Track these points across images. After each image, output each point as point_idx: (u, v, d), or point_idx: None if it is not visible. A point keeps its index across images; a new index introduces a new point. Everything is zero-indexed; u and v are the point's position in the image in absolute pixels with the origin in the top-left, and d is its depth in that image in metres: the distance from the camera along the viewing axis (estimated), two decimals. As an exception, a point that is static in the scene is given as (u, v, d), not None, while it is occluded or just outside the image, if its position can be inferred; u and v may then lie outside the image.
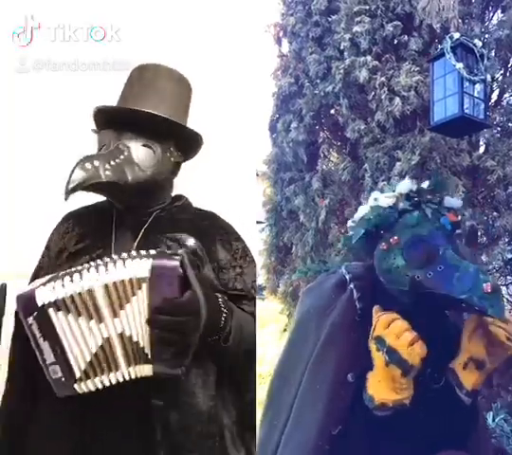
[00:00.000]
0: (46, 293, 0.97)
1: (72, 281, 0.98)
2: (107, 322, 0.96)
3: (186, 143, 1.26)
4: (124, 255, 1.01)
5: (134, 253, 1.01)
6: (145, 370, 0.96)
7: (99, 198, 1.30)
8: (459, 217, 1.22)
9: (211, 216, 1.29)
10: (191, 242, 1.14)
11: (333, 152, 3.22)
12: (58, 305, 0.96)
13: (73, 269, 1.02)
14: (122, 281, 0.96)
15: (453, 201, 1.24)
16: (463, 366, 1.14)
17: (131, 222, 1.20)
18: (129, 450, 1.04)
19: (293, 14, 3.24)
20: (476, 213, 2.46)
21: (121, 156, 1.13)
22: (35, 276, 1.27)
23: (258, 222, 3.54)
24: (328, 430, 1.10)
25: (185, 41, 1.74)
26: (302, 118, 3.05)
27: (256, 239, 3.32)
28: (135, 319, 0.96)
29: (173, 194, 1.32)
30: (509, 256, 2.66)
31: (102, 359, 0.96)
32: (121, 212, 1.22)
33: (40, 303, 0.96)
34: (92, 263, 1.01)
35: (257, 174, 3.56)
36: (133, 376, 0.97)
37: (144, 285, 0.95)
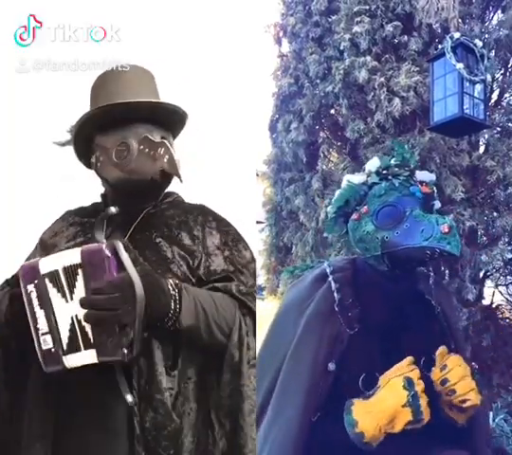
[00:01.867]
0: (48, 264, 1.02)
1: (53, 260, 1.03)
2: (70, 303, 1.00)
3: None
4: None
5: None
6: (90, 356, 0.97)
7: (96, 198, 1.30)
8: (431, 190, 1.24)
9: (200, 208, 1.28)
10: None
11: (333, 152, 3.23)
12: (50, 277, 1.01)
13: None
14: (67, 267, 0.99)
15: (424, 174, 1.26)
16: (448, 407, 1.15)
17: (122, 220, 1.20)
18: (112, 445, 1.05)
19: (293, 14, 3.24)
20: (476, 213, 2.46)
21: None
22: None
23: (258, 222, 3.54)
24: (308, 418, 1.12)
25: (185, 41, 1.74)
26: (302, 119, 3.06)
27: (256, 239, 3.32)
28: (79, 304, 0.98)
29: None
30: (509, 256, 2.66)
31: (74, 337, 0.99)
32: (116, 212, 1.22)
33: (42, 272, 1.01)
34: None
35: (257, 174, 3.57)
36: (85, 362, 0.98)
37: (80, 271, 0.98)
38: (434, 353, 1.14)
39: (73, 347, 0.99)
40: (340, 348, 1.16)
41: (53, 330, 1.00)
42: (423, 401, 1.04)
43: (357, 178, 1.28)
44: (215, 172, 1.77)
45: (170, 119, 1.20)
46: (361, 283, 1.23)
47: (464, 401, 1.09)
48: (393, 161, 1.26)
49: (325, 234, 2.69)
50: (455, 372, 1.10)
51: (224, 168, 1.81)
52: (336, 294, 1.21)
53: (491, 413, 2.26)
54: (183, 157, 1.34)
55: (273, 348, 1.28)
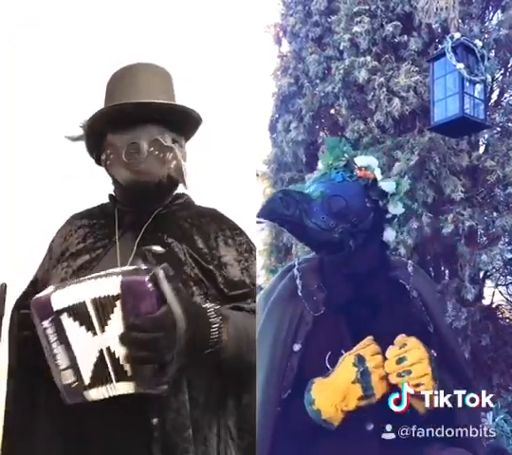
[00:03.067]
0: (61, 298, 0.98)
1: (75, 291, 0.99)
2: (99, 335, 0.96)
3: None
4: (102, 272, 1.00)
5: (110, 270, 1.00)
6: (127, 387, 0.95)
7: (103, 199, 1.30)
8: (369, 173, 1.25)
9: (212, 212, 1.26)
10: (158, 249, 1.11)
11: (333, 152, 3.22)
12: (69, 312, 0.97)
13: (75, 280, 1.03)
14: (101, 297, 0.95)
15: (361, 159, 1.28)
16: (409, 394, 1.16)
17: (132, 221, 1.19)
18: (126, 446, 1.03)
19: (293, 14, 3.24)
20: (475, 213, 2.46)
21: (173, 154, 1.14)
22: (36, 278, 1.26)
23: (258, 222, 3.53)
24: (277, 395, 1.17)
25: (185, 41, 1.74)
26: (302, 119, 3.06)
27: (256, 239, 3.32)
28: (115, 336, 0.94)
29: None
30: (509, 256, 2.66)
31: (100, 371, 0.96)
32: (123, 212, 1.22)
33: (55, 308, 0.97)
34: (80, 279, 1.02)
35: (257, 174, 3.56)
36: (119, 393, 0.96)
37: (118, 303, 0.94)
38: (410, 335, 1.15)
39: (99, 381, 0.96)
40: (306, 329, 1.20)
41: (74, 366, 0.97)
42: (374, 376, 1.07)
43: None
44: (215, 172, 1.77)
45: (182, 122, 1.19)
46: (328, 271, 1.27)
47: (417, 385, 1.10)
48: (331, 157, 1.28)
49: None
50: (414, 353, 1.11)
51: (224, 168, 1.81)
52: (298, 280, 1.26)
53: (491, 413, 2.26)
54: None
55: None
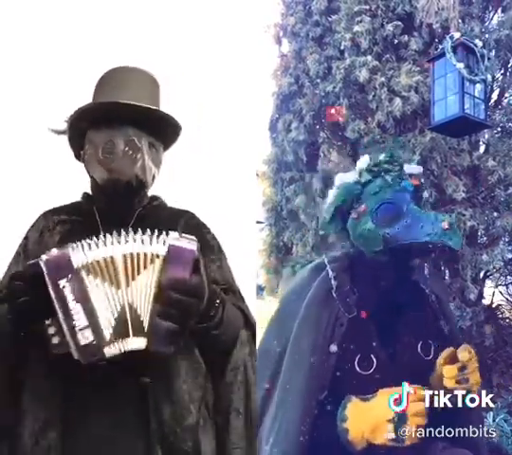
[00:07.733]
0: (81, 255, 0.99)
1: (98, 246, 1.01)
2: (123, 290, 0.99)
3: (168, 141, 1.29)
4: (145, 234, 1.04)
5: (156, 233, 1.04)
6: (139, 342, 0.97)
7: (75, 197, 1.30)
8: (420, 181, 1.31)
9: (188, 214, 1.31)
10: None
11: (333, 152, 3.22)
12: (89, 268, 0.99)
13: (95, 239, 1.03)
14: (138, 253, 1.00)
15: (412, 168, 1.32)
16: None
17: (115, 220, 1.21)
18: (126, 440, 1.06)
19: (293, 14, 3.24)
20: (476, 213, 2.46)
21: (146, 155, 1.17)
22: (9, 272, 1.25)
23: (258, 222, 3.54)
24: (315, 396, 1.19)
25: (185, 41, 1.74)
26: (303, 118, 3.06)
27: (256, 239, 3.32)
28: (141, 291, 0.98)
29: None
30: (509, 256, 2.66)
31: (121, 325, 0.98)
32: (105, 212, 1.23)
33: (75, 265, 0.98)
34: (113, 236, 1.04)
35: (257, 174, 3.56)
36: (131, 348, 0.98)
37: (157, 261, 0.98)
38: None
39: (118, 336, 0.98)
40: (341, 330, 1.22)
41: (94, 323, 0.97)
42: (409, 431, 1.07)
43: (350, 177, 1.33)
44: (215, 172, 1.77)
45: (161, 127, 1.22)
46: (357, 272, 1.29)
47: (468, 392, 1.12)
48: (382, 157, 1.29)
49: (321, 232, 2.72)
50: (473, 362, 1.14)
51: (224, 168, 1.82)
52: (333, 281, 1.27)
53: (491, 413, 2.26)
54: (183, 157, 1.34)
55: (276, 335, 1.33)
